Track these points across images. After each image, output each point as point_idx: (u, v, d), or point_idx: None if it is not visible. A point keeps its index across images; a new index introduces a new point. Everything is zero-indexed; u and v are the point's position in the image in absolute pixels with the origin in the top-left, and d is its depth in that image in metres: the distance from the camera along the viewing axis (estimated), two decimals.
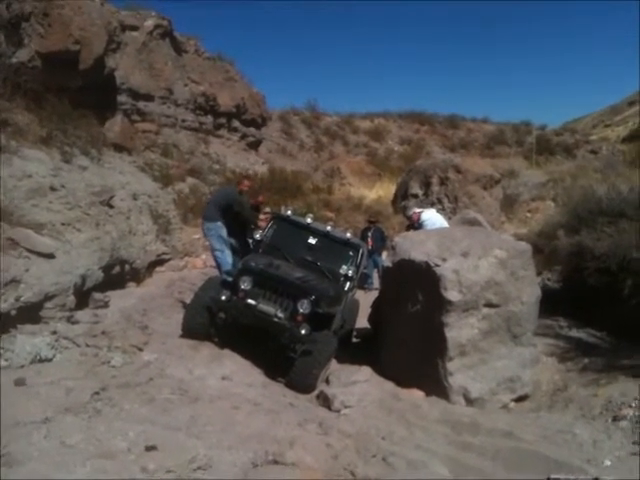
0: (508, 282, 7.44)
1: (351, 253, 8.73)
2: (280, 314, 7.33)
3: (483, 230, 9.51)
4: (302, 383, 6.96)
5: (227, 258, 9.02)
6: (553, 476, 4.90)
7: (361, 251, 8.85)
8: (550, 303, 8.86)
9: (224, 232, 9.08)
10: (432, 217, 10.50)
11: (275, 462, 4.46)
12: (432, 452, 5.55)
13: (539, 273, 10.50)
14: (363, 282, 13.05)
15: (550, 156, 33.06)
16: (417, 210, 11.23)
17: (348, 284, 8.43)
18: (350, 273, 8.33)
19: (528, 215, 21.50)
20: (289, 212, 9.01)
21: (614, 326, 8.72)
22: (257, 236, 8.58)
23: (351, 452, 5.01)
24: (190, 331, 7.50)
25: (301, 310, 7.26)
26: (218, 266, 9.17)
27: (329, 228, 8.83)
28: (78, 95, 13.39)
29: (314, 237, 8.62)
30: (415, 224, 10.55)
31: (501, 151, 35.46)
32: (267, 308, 7.36)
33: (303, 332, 7.11)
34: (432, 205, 18.77)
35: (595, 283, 8.98)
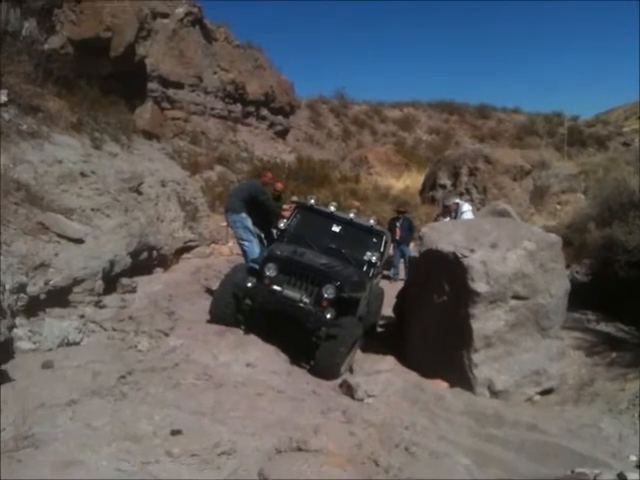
0: (537, 274, 7.36)
1: (374, 240, 8.74)
2: (305, 299, 7.36)
3: (512, 221, 9.41)
4: (327, 366, 6.98)
5: (255, 248, 9.07)
6: (577, 470, 4.84)
7: (384, 238, 8.87)
8: (579, 296, 8.75)
9: (249, 222, 9.13)
10: (470, 210, 10.86)
11: (299, 449, 4.47)
12: (455, 443, 5.53)
13: (568, 266, 10.36)
14: (387, 269, 13.06)
15: (582, 148, 32.50)
16: (457, 200, 11.47)
17: (372, 270, 8.44)
18: (374, 259, 8.32)
19: (558, 207, 21.17)
20: (312, 201, 9.02)
21: None
22: (281, 225, 8.62)
23: (374, 441, 5.01)
24: (217, 317, 7.56)
25: (326, 295, 7.27)
26: (245, 255, 9.22)
27: (352, 215, 8.83)
28: (109, 82, 13.53)
29: (337, 225, 8.65)
30: (453, 213, 10.75)
31: (532, 142, 34.88)
32: (292, 294, 7.40)
33: (328, 316, 7.13)
34: (461, 196, 18.61)
35: (625, 277, 8.85)
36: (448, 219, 10.66)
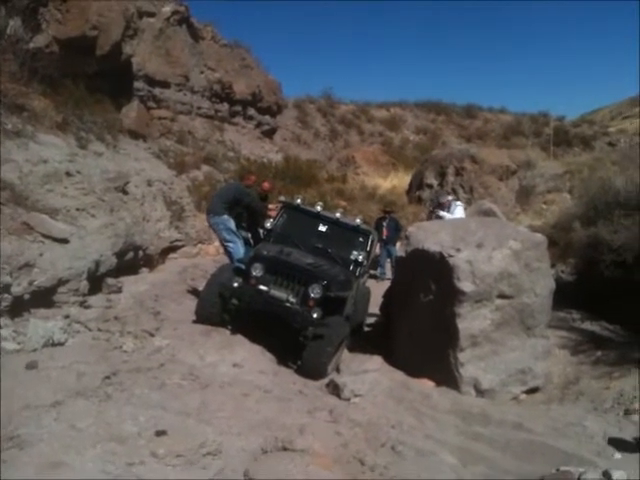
0: (522, 274, 7.40)
1: (361, 239, 8.76)
2: (292, 299, 7.36)
3: (498, 221, 9.48)
4: (313, 366, 6.97)
5: (239, 248, 9.03)
6: (563, 468, 4.88)
7: (371, 237, 8.90)
8: (564, 295, 8.81)
9: (232, 224, 9.08)
10: (463, 209, 11.24)
11: (284, 449, 4.47)
12: (442, 442, 5.55)
13: (553, 265, 10.44)
14: (374, 268, 13.10)
15: (567, 147, 32.72)
16: (450, 198, 11.89)
17: (359, 269, 8.45)
18: (360, 259, 8.35)
19: (544, 207, 21.29)
20: (298, 201, 9.01)
21: (628, 319, 8.66)
22: (268, 225, 8.61)
23: (360, 440, 5.02)
24: (203, 317, 7.53)
25: (312, 295, 7.27)
26: (230, 257, 9.19)
27: (338, 215, 8.83)
28: (94, 81, 13.45)
29: (324, 224, 8.66)
30: (446, 209, 11.02)
31: (518, 142, 35.07)
32: (279, 294, 7.39)
33: (315, 316, 7.12)
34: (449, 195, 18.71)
35: (610, 276, 8.92)
36: (442, 213, 10.87)
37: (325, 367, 7.01)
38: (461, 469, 5.01)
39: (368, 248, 8.74)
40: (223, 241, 9.28)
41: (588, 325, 9.18)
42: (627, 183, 10.80)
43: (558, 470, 4.86)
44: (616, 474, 4.66)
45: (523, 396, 7.38)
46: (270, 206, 9.82)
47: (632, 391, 6.91)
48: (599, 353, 8.09)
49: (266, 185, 11.26)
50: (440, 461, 5.04)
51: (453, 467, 4.99)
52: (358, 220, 8.92)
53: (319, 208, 8.82)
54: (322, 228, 8.63)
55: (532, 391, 7.44)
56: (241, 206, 9.32)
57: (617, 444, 5.83)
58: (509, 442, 5.71)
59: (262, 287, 7.38)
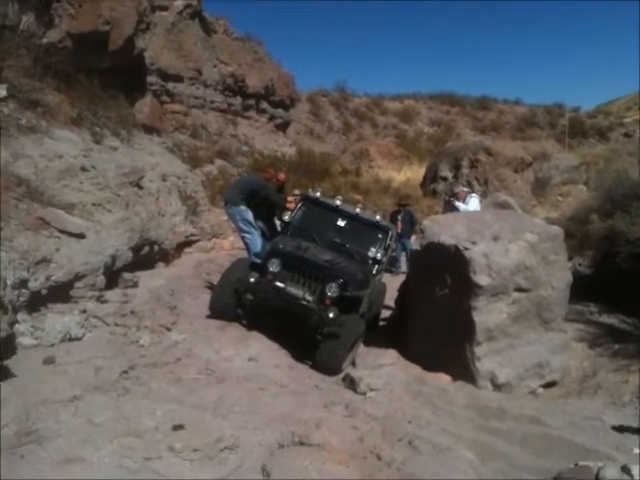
0: (539, 266, 7.34)
1: (380, 236, 8.62)
2: (308, 297, 7.30)
3: (514, 213, 9.39)
4: (327, 365, 6.93)
5: (256, 241, 9.03)
6: (581, 463, 4.84)
7: (390, 234, 8.73)
8: (581, 288, 8.73)
9: (249, 215, 9.07)
10: (478, 200, 11.16)
11: (301, 443, 4.47)
12: (458, 437, 5.52)
13: (570, 258, 10.34)
14: (392, 265, 13.05)
15: (583, 139, 32.52)
16: (465, 189, 11.77)
17: (376, 267, 8.35)
18: (379, 256, 8.24)
19: (559, 199, 21.17)
20: (318, 194, 8.94)
21: None
22: (286, 218, 8.54)
23: (377, 435, 5.00)
24: (217, 312, 7.53)
25: (329, 293, 7.21)
26: (247, 249, 9.19)
27: (358, 210, 8.73)
28: (108, 76, 13.46)
29: (343, 219, 8.54)
30: (462, 200, 10.94)
31: (533, 133, 34.90)
32: (295, 291, 7.34)
33: (331, 315, 7.05)
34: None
35: (628, 268, 8.82)
36: (457, 203, 10.86)
37: (339, 365, 6.98)
38: (479, 465, 4.98)
39: (387, 245, 8.63)
40: (240, 232, 9.28)
41: (605, 318, 9.08)
42: None
43: (576, 465, 4.82)
44: (635, 469, 4.62)
45: (540, 390, 7.33)
46: (289, 198, 9.76)
47: None
48: (617, 346, 8.01)
49: (282, 176, 11.22)
50: (457, 456, 5.01)
51: (470, 463, 4.96)
52: (378, 216, 8.81)
53: (338, 202, 8.72)
54: (341, 223, 8.50)
55: (549, 385, 7.39)
56: (259, 198, 9.30)
57: (622, 431, 5.83)
58: (526, 437, 5.68)
59: (278, 284, 7.33)
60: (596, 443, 5.57)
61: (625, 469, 4.61)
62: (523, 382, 7.21)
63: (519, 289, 7.26)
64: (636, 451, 5.45)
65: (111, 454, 3.87)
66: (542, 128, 38.85)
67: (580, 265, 11.77)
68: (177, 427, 4.31)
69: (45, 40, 12.14)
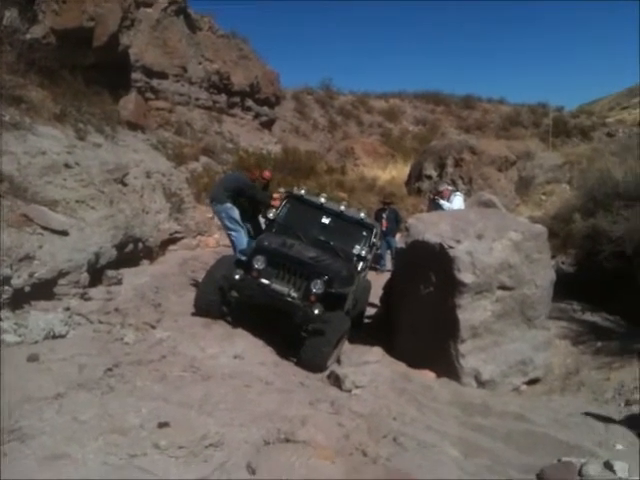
0: (522, 265, 7.40)
1: (364, 233, 8.63)
2: (293, 294, 7.30)
3: (498, 212, 9.46)
4: (312, 362, 6.94)
5: (242, 238, 9.02)
6: (564, 459, 4.89)
7: (375, 231, 8.75)
8: (564, 286, 8.82)
9: (235, 213, 9.07)
10: (462, 199, 11.09)
11: (287, 440, 4.47)
12: (443, 433, 5.55)
13: (553, 256, 10.43)
14: (377, 263, 13.07)
15: (567, 138, 32.77)
16: (449, 187, 11.71)
17: (361, 264, 8.36)
18: (363, 253, 8.26)
19: (543, 198, 21.33)
20: (303, 191, 8.94)
21: (628, 310, 8.67)
22: (270, 215, 8.54)
23: (362, 432, 5.02)
24: (202, 309, 7.51)
25: (314, 290, 7.21)
26: (233, 246, 9.18)
27: (342, 208, 8.75)
28: (92, 72, 13.37)
29: (327, 217, 8.54)
30: (445, 198, 10.91)
31: (517, 133, 35.10)
32: (280, 288, 7.34)
33: (316, 312, 7.05)
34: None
35: (610, 267, 8.92)
36: (442, 202, 10.82)
37: (324, 362, 6.98)
38: (463, 461, 5.01)
39: (371, 242, 8.64)
40: (226, 230, 9.27)
41: (588, 316, 9.18)
42: (626, 174, 10.77)
43: (559, 461, 4.87)
44: (617, 465, 4.67)
45: (524, 387, 7.40)
46: (274, 195, 9.74)
47: (633, 382, 6.92)
48: (599, 344, 8.10)
49: (267, 174, 11.21)
50: (442, 453, 5.04)
51: (455, 459, 4.99)
52: (362, 214, 8.83)
53: (323, 200, 8.73)
54: (325, 220, 8.50)
55: (533, 382, 7.46)
56: (244, 196, 9.29)
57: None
58: (510, 433, 5.72)
59: (263, 280, 7.33)
60: (579, 439, 5.61)
61: (608, 465, 4.68)
62: (507, 379, 7.27)
63: (503, 287, 7.31)
64: (619, 447, 5.51)
65: (96, 451, 3.85)
66: (526, 127, 39.09)
67: (563, 263, 11.88)
68: (162, 424, 4.30)
69: (29, 36, 12.02)
